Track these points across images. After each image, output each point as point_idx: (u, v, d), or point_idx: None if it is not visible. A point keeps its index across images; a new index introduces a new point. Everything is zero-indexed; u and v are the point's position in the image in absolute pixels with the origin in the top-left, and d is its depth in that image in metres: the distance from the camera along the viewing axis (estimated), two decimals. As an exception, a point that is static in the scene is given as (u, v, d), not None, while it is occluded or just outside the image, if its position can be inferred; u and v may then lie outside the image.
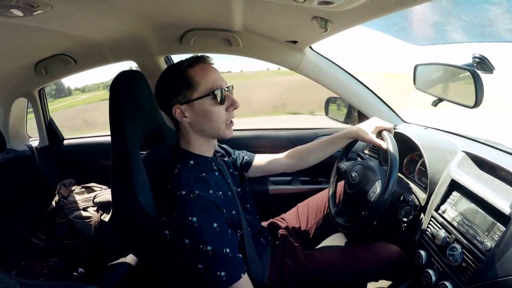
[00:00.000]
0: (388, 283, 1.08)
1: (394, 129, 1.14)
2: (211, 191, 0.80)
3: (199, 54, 0.86)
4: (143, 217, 0.82)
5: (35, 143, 1.81)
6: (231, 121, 0.87)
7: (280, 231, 1.14)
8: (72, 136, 1.90)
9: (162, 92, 0.85)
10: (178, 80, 0.82)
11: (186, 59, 0.84)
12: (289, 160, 1.13)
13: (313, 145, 1.12)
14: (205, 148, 0.89)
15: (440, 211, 0.93)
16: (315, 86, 1.36)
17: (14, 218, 1.47)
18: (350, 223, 1.04)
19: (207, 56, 0.86)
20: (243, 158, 1.12)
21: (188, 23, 1.16)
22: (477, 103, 0.88)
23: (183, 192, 0.77)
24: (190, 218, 0.74)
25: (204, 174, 0.83)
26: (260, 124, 2.55)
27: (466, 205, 0.87)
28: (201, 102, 0.82)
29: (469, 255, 0.79)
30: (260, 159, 1.13)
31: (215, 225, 0.76)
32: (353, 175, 1.07)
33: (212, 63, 0.87)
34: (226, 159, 1.05)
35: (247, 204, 1.02)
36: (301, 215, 1.24)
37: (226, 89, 0.85)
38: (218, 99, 0.82)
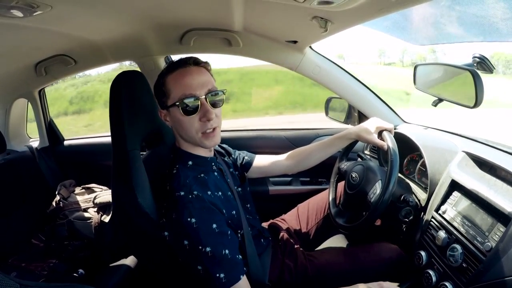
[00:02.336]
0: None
1: (395, 129, 1.14)
2: (209, 192, 0.80)
3: (184, 57, 0.85)
4: (143, 218, 0.81)
5: (35, 143, 1.81)
6: (213, 129, 0.82)
7: (281, 232, 1.14)
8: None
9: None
10: (156, 86, 0.85)
11: (170, 63, 0.85)
12: (289, 161, 1.13)
13: (313, 147, 1.12)
14: (200, 150, 0.89)
15: (440, 212, 0.93)
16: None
17: (14, 219, 1.47)
18: (350, 223, 1.03)
19: (191, 58, 0.83)
20: (243, 158, 1.11)
21: (188, 23, 1.16)
22: (477, 103, 0.88)
23: (182, 193, 0.77)
24: (189, 219, 0.74)
25: (202, 175, 0.83)
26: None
27: (467, 205, 0.87)
28: (173, 110, 0.82)
29: (469, 256, 0.79)
30: (260, 160, 1.13)
31: (214, 226, 0.76)
32: (353, 175, 1.06)
33: (204, 63, 0.85)
34: (226, 158, 1.04)
35: (248, 204, 1.02)
36: (302, 216, 1.23)
37: (204, 96, 0.80)
38: (181, 109, 0.79)
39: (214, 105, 0.82)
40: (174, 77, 0.82)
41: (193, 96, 0.79)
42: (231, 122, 6.04)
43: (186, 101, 0.79)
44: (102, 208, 1.46)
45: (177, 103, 0.79)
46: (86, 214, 1.46)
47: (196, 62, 0.84)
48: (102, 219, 1.43)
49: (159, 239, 0.81)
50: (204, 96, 0.80)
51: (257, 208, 1.08)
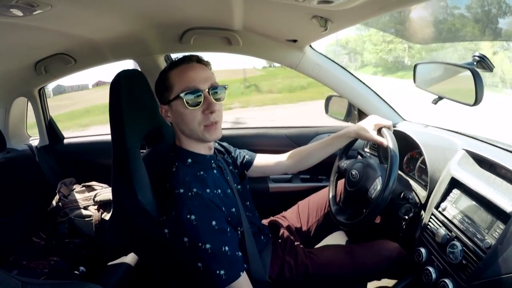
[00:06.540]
0: (388, 281, 1.08)
1: (394, 127, 1.14)
2: (208, 190, 0.80)
3: (187, 54, 0.86)
4: (144, 215, 0.82)
5: (35, 142, 1.81)
6: (215, 123, 0.83)
7: (281, 229, 1.14)
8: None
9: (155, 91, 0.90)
10: (158, 82, 0.86)
11: (173, 60, 0.86)
12: (289, 161, 1.13)
13: (313, 146, 1.12)
14: (199, 147, 0.89)
15: (440, 209, 0.93)
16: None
17: (14, 218, 1.48)
18: (351, 221, 1.04)
19: (194, 56, 0.85)
20: (244, 157, 1.12)
21: (188, 22, 1.16)
22: (477, 102, 0.88)
23: (181, 191, 0.77)
24: (188, 217, 0.74)
25: (202, 173, 0.83)
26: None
27: (466, 202, 0.87)
28: (175, 104, 0.82)
29: (469, 253, 0.79)
30: (261, 160, 1.13)
31: (213, 223, 0.76)
32: (353, 173, 1.07)
33: (205, 63, 0.86)
34: (226, 157, 1.05)
35: (247, 202, 1.02)
36: (302, 213, 1.24)
37: (207, 90, 0.81)
38: (185, 101, 0.79)
39: (216, 100, 0.83)
40: (178, 71, 0.83)
41: (196, 89, 0.80)
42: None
43: (189, 93, 0.79)
44: (102, 206, 1.47)
45: (180, 95, 0.79)
46: (86, 212, 1.46)
47: (199, 60, 0.85)
48: (102, 217, 1.43)
49: (159, 236, 0.81)
50: (207, 90, 0.81)
51: (257, 205, 1.08)
